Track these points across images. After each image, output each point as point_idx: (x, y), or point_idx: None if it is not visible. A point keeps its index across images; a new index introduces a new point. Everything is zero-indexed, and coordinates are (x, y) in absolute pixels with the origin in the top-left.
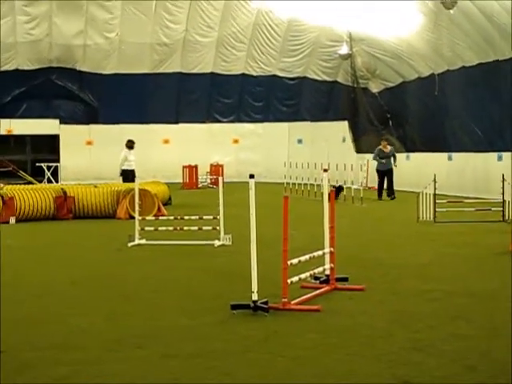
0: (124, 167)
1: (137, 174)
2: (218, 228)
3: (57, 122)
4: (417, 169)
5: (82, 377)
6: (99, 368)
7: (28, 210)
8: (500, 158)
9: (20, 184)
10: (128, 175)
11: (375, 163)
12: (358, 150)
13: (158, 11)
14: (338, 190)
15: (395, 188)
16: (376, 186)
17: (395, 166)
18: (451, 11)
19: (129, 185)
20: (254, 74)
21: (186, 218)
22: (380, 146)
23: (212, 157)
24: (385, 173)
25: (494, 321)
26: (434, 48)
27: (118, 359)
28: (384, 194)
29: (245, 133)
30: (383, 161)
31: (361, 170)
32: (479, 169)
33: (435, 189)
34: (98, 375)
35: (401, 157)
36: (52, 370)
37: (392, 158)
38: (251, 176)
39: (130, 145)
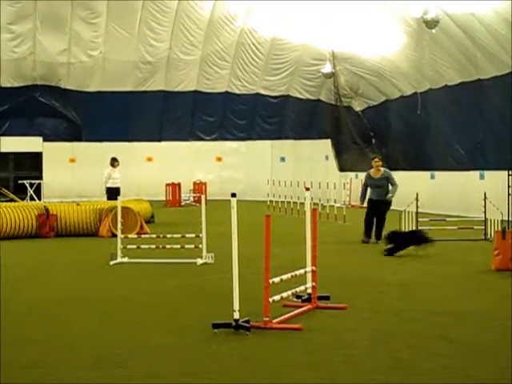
0: (109, 185)
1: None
2: (200, 246)
3: (40, 139)
4: (399, 187)
5: None
6: None
7: (10, 228)
8: (482, 177)
9: (2, 201)
10: (113, 193)
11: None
12: (341, 169)
13: (142, 29)
14: None
15: None
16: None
17: (389, 197)
18: (433, 31)
19: (111, 203)
20: (238, 92)
21: (169, 236)
22: (369, 171)
23: (195, 175)
24: (376, 205)
25: (475, 340)
26: (416, 67)
27: (101, 378)
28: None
29: (228, 151)
30: (371, 191)
31: (344, 188)
32: (461, 187)
33: (417, 207)
34: None
35: None
36: None
37: (388, 187)
38: (233, 195)
39: (113, 163)
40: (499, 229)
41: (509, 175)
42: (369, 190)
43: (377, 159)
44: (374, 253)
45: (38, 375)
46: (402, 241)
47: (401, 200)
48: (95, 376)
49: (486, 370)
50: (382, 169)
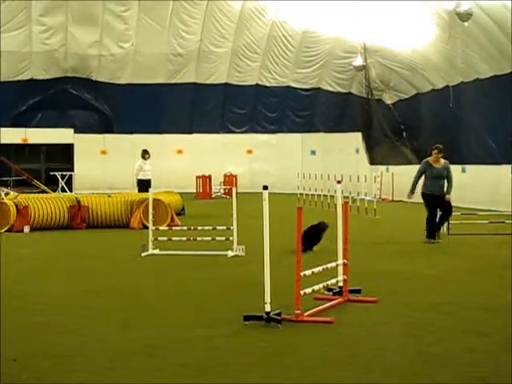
0: (140, 177)
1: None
2: (231, 238)
3: (71, 131)
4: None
5: None
6: (112, 377)
7: (42, 219)
8: None
9: (34, 193)
10: (144, 185)
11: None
12: (372, 162)
13: (173, 22)
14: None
15: (412, 200)
16: (390, 198)
17: (448, 195)
18: (466, 23)
19: (142, 195)
20: (268, 84)
21: (200, 228)
22: (428, 158)
23: (226, 167)
24: (436, 201)
25: (507, 335)
26: (448, 60)
27: (131, 368)
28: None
29: (258, 143)
30: (430, 182)
31: (374, 181)
32: (493, 181)
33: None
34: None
35: (415, 169)
36: (66, 379)
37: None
38: (265, 187)
39: (144, 155)
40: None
41: None
42: (423, 181)
43: (437, 150)
44: (406, 246)
45: (70, 364)
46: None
47: None
48: (125, 366)
49: None
50: (443, 160)
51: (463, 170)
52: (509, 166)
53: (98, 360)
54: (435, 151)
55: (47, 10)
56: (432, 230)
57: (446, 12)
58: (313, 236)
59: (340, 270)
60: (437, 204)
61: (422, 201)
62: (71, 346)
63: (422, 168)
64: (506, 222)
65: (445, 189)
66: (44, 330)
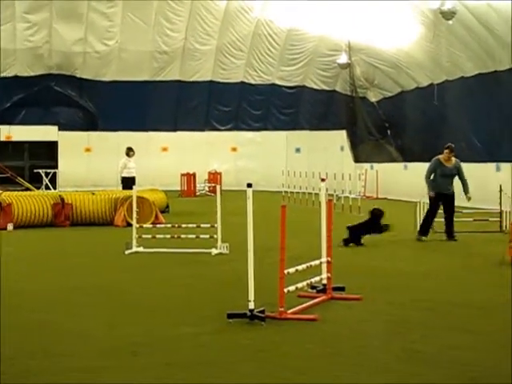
0: (124, 174)
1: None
2: (215, 236)
3: (55, 128)
4: (415, 178)
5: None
6: (98, 375)
7: (26, 217)
8: (498, 169)
9: (18, 190)
10: (128, 182)
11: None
12: (356, 159)
13: (158, 19)
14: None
15: (396, 198)
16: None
17: (468, 194)
18: (450, 22)
19: (126, 192)
20: (253, 82)
21: (184, 225)
22: (439, 156)
23: (210, 165)
24: (442, 199)
25: (491, 331)
26: (432, 58)
27: (116, 367)
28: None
29: (243, 141)
30: (440, 180)
31: (359, 179)
32: (478, 179)
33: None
34: (95, 382)
35: (399, 167)
36: (51, 377)
37: (457, 178)
38: (249, 185)
39: (128, 152)
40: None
41: None
42: (434, 179)
43: (448, 150)
44: (390, 244)
45: (54, 363)
46: (359, 231)
47: (416, 191)
48: (109, 364)
49: (504, 362)
50: (454, 159)
51: None
52: (493, 164)
53: (83, 358)
54: (447, 150)
55: (32, 7)
56: (427, 227)
57: (430, 10)
58: (365, 228)
59: (324, 267)
60: (441, 202)
61: (404, 199)
62: (56, 344)
63: (433, 166)
64: (491, 219)
65: (453, 187)
66: (28, 328)
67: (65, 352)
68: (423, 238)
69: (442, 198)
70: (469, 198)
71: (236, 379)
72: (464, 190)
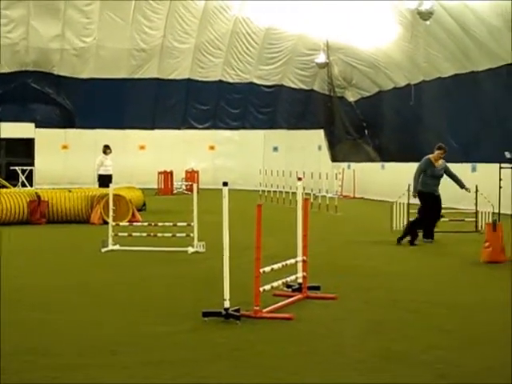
0: (101, 172)
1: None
2: (191, 235)
3: (32, 125)
4: (391, 178)
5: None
6: (75, 374)
7: (1, 214)
8: (474, 169)
9: None
10: (105, 180)
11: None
12: (334, 159)
13: (136, 17)
14: None
15: (373, 198)
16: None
17: (468, 190)
18: (427, 22)
19: (103, 190)
20: (231, 80)
21: (160, 224)
22: (430, 156)
23: (188, 163)
24: (434, 201)
25: (468, 331)
26: (410, 58)
27: (94, 366)
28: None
29: (221, 139)
30: (430, 181)
31: (336, 178)
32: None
33: (409, 198)
34: (74, 381)
35: (376, 166)
36: (28, 376)
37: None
38: (225, 184)
39: (105, 150)
40: (490, 221)
41: (500, 168)
42: (423, 180)
43: (442, 150)
44: (366, 243)
45: (31, 362)
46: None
47: (393, 191)
48: (87, 363)
49: (479, 361)
50: (441, 159)
51: None
52: (469, 165)
53: (60, 357)
54: (441, 151)
55: (9, 3)
56: (430, 229)
57: (408, 11)
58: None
59: (299, 266)
60: (437, 203)
61: (380, 199)
62: (33, 342)
63: (424, 166)
64: (466, 220)
65: (439, 189)
66: (4, 327)
67: (42, 351)
68: (430, 240)
69: (434, 199)
70: (468, 190)
71: (209, 377)
72: (460, 185)
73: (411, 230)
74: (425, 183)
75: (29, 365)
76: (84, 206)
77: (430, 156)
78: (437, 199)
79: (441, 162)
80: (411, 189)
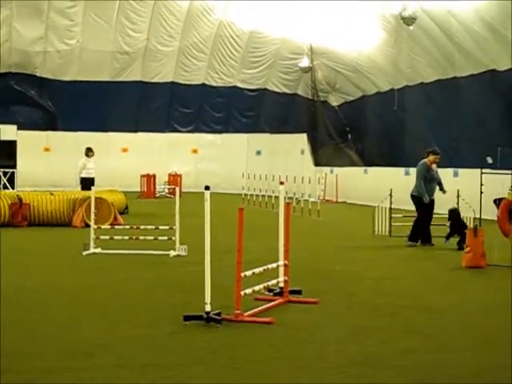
0: (83, 175)
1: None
2: (173, 238)
3: (14, 127)
4: (374, 183)
5: None
6: (52, 377)
7: None
8: (456, 174)
9: None
10: (87, 183)
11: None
12: (317, 163)
13: (120, 19)
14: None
15: (355, 202)
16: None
17: (444, 192)
18: (411, 27)
19: (85, 193)
20: (215, 84)
21: (142, 227)
22: (425, 160)
23: (170, 166)
24: (431, 205)
25: (447, 335)
26: (393, 63)
27: (72, 368)
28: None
29: (204, 143)
30: (428, 186)
31: (318, 182)
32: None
33: (391, 203)
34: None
35: (359, 171)
36: (2, 379)
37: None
38: (206, 187)
39: (88, 153)
40: (471, 226)
41: (482, 173)
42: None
43: (439, 156)
44: (348, 248)
45: (7, 364)
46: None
47: (375, 195)
48: (66, 366)
49: (458, 365)
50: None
51: (406, 173)
52: (451, 170)
53: (37, 359)
54: (437, 156)
55: None
56: (427, 234)
57: (392, 16)
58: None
59: (281, 270)
60: (431, 207)
61: (362, 204)
62: (10, 345)
63: (424, 171)
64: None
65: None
66: None
67: (20, 353)
68: (428, 245)
69: (431, 203)
70: (446, 192)
71: (189, 381)
72: (440, 188)
73: (419, 230)
74: (426, 188)
75: (3, 367)
76: (66, 209)
77: (426, 160)
78: (433, 203)
79: (433, 166)
80: (425, 197)
